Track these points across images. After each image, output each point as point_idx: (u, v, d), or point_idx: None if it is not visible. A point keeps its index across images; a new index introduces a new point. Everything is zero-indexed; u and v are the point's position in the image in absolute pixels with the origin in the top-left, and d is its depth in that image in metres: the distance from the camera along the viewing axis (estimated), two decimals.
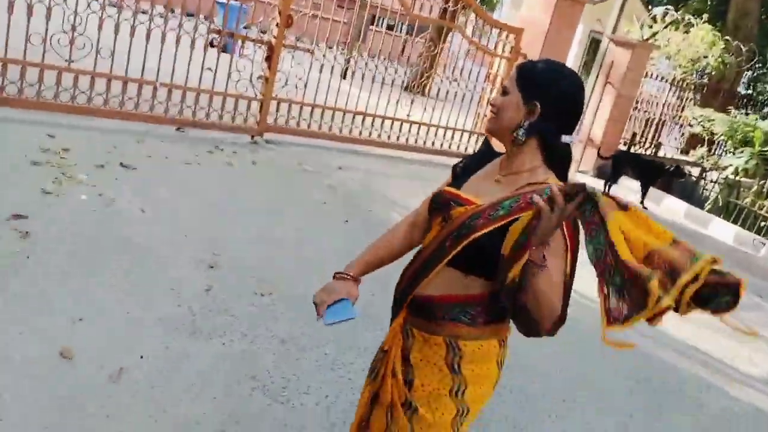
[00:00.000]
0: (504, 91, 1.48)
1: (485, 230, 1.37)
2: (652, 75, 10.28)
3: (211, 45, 5.94)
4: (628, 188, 8.84)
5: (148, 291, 3.05)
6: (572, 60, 10.68)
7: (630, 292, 1.14)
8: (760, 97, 15.27)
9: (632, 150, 9.86)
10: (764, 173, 9.02)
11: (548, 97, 1.41)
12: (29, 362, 2.34)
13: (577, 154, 9.72)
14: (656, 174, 8.52)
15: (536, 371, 3.29)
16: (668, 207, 8.70)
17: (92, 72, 5.16)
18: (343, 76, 6.79)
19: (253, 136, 6.19)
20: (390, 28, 7.52)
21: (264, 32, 6.40)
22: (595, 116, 9.51)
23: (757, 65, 13.75)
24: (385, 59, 7.02)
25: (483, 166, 1.58)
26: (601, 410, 3.18)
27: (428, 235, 1.55)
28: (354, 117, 6.90)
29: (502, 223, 1.35)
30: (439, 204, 1.53)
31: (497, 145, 1.59)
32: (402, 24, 7.67)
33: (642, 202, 8.46)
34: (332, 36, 6.91)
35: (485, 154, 1.61)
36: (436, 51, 7.47)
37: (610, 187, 8.48)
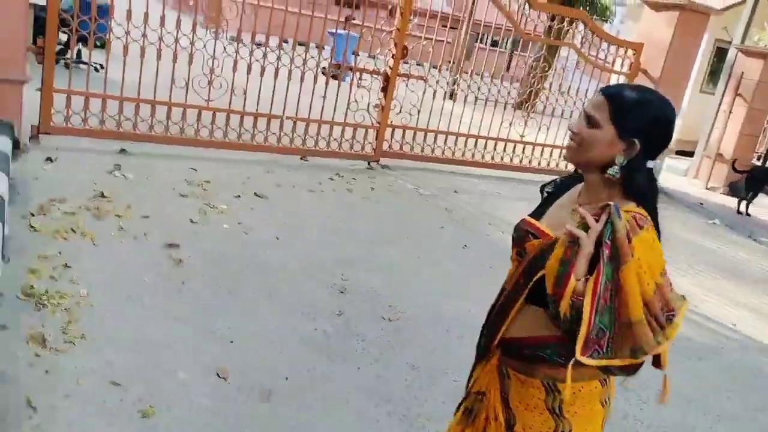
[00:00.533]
0: (590, 121, 1.35)
1: None
2: None
3: (333, 77, 6.25)
4: (762, 205, 8.18)
5: (286, 314, 3.26)
6: (695, 72, 10.09)
7: (613, 336, 1.22)
8: None
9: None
10: None
11: (650, 132, 1.32)
12: (192, 380, 2.58)
13: (706, 170, 9.16)
14: None
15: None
16: None
17: (227, 109, 5.62)
18: (451, 97, 6.86)
19: (370, 162, 6.42)
20: (494, 44, 7.47)
21: (374, 57, 6.63)
22: (725, 130, 8.91)
23: None
24: (491, 76, 7.00)
25: (568, 191, 1.50)
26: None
27: (509, 271, 1.48)
28: (467, 140, 6.96)
29: None
30: (518, 235, 1.46)
31: None
32: (507, 39, 7.62)
33: None
34: (440, 57, 7.01)
35: (574, 178, 1.53)
36: (549, 71, 7.37)
37: (747, 205, 7.88)
